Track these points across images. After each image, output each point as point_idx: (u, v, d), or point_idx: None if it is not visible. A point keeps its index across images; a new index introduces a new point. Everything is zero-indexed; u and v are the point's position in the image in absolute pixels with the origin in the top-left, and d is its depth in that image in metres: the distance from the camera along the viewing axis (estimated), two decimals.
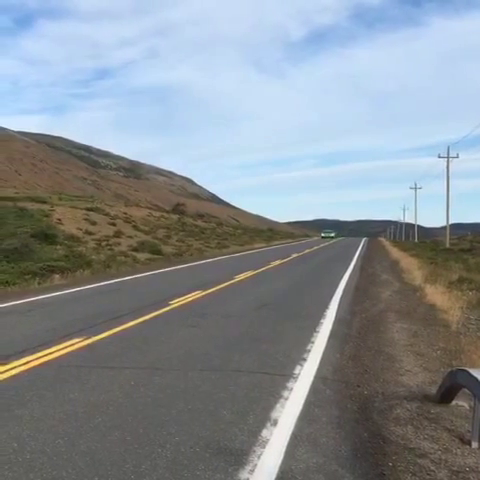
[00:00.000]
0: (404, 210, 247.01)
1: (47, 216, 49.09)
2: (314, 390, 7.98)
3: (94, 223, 51.63)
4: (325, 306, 16.10)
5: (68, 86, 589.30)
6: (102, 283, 22.64)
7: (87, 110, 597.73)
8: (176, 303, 16.45)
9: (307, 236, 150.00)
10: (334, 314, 14.77)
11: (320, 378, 8.63)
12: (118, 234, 48.79)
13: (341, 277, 25.40)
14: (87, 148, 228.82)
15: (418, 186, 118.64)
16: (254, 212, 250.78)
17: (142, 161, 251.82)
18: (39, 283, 22.81)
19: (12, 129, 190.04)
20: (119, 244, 43.82)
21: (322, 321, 13.71)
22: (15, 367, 8.99)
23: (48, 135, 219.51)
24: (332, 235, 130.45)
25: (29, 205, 52.50)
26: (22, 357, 9.60)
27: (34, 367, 9.11)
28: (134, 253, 39.92)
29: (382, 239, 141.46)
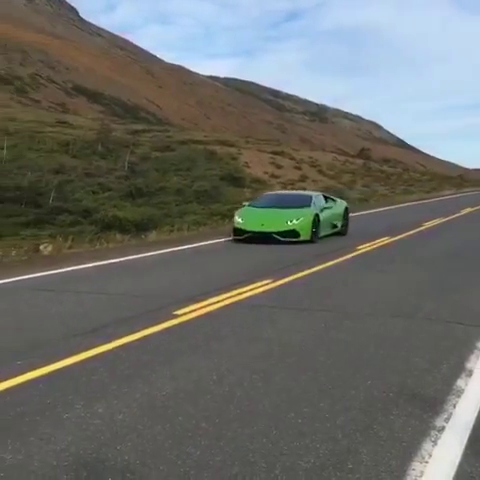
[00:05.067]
0: None
1: (235, 159, 50.28)
2: None
3: (280, 167, 52.21)
4: None
5: (259, 29, 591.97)
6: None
7: (275, 53, 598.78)
8: (364, 248, 16.38)
9: None
10: None
11: None
12: (303, 178, 49.11)
13: None
14: (274, 92, 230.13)
15: None
16: (443, 158, 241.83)
17: (328, 104, 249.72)
18: (228, 224, 23.53)
19: (202, 74, 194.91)
20: (304, 188, 44.10)
21: None
22: (211, 304, 9.40)
23: (236, 79, 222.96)
24: (294, 223, 17.56)
25: (218, 148, 53.91)
26: (217, 295, 10.00)
27: (228, 305, 9.48)
28: None
29: None
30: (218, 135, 77.69)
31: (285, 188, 41.78)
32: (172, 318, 8.47)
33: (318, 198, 19.52)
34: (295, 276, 12.08)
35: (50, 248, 16.25)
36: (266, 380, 6.07)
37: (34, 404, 5.33)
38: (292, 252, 16.01)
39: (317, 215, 18.09)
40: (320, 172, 56.04)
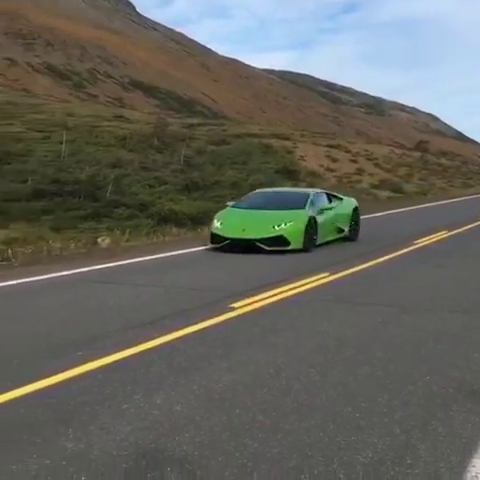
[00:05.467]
0: None
1: (290, 153, 50.09)
2: None
3: (335, 160, 51.82)
4: None
5: (315, 21, 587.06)
6: None
7: (331, 45, 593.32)
8: (420, 243, 16.19)
9: None
10: None
11: None
12: (359, 171, 48.67)
13: None
14: (329, 84, 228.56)
15: None
16: None
17: (384, 97, 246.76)
18: None
19: (257, 66, 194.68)
20: (360, 182, 43.76)
21: None
22: (267, 297, 9.42)
23: (291, 72, 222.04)
24: (282, 228, 14.73)
25: (273, 142, 53.80)
26: (273, 288, 10.02)
27: (284, 299, 9.49)
28: (375, 191, 39.71)
29: None
30: (273, 128, 77.57)
31: (340, 181, 41.51)
32: (229, 311, 8.52)
33: (317, 197, 16.44)
34: (352, 270, 12.02)
35: (108, 241, 16.48)
36: (323, 374, 6.06)
37: (94, 394, 5.43)
38: (351, 246, 15.94)
39: (313, 218, 15.14)
40: (376, 165, 55.40)
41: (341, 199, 17.71)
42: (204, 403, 5.26)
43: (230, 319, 8.17)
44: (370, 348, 6.99)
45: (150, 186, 31.36)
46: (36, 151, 35.00)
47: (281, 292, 9.82)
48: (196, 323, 7.80)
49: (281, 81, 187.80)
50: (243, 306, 8.83)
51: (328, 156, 52.79)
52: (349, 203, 17.78)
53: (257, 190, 18.55)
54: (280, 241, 14.50)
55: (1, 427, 4.73)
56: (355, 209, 17.51)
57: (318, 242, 15.31)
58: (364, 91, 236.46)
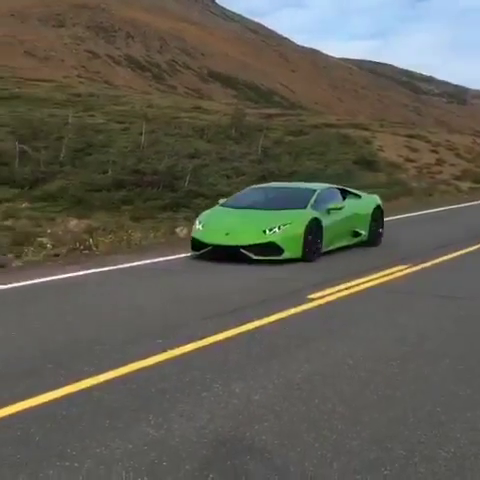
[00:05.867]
0: None
1: (368, 143, 49.45)
2: None
3: (415, 150, 50.84)
4: None
5: (396, 9, 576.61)
6: (425, 211, 22.41)
7: (412, 33, 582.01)
8: None
9: None
10: None
11: None
12: (440, 162, 47.65)
13: None
14: (409, 73, 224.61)
15: None
16: None
17: (468, 86, 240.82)
18: None
19: (334, 56, 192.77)
20: (441, 172, 42.80)
21: None
22: (345, 289, 9.35)
23: (370, 61, 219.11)
24: (275, 232, 11.80)
25: (351, 132, 53.22)
26: (351, 280, 9.91)
27: (363, 290, 9.42)
28: (456, 182, 38.83)
29: None
30: (351, 118, 76.71)
31: (420, 172, 40.69)
32: (307, 302, 8.50)
33: (326, 194, 13.45)
34: (431, 263, 11.77)
35: (186, 231, 16.62)
36: (403, 366, 5.99)
37: (174, 381, 5.51)
38: (429, 235, 15.66)
39: (316, 220, 12.31)
40: (457, 155, 54.16)
41: (359, 196, 14.59)
42: (283, 393, 5.28)
43: (308, 310, 8.16)
44: (451, 341, 6.88)
45: (228, 177, 31.49)
46: (116, 142, 35.59)
47: (358, 284, 9.71)
48: (274, 313, 7.82)
49: (360, 70, 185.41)
50: (321, 297, 8.80)
51: (407, 146, 51.82)
52: (369, 201, 14.65)
53: (254, 186, 15.76)
54: (271, 248, 11.84)
55: (85, 411, 4.85)
56: (376, 209, 14.43)
57: (324, 249, 12.58)
58: (446, 80, 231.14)
